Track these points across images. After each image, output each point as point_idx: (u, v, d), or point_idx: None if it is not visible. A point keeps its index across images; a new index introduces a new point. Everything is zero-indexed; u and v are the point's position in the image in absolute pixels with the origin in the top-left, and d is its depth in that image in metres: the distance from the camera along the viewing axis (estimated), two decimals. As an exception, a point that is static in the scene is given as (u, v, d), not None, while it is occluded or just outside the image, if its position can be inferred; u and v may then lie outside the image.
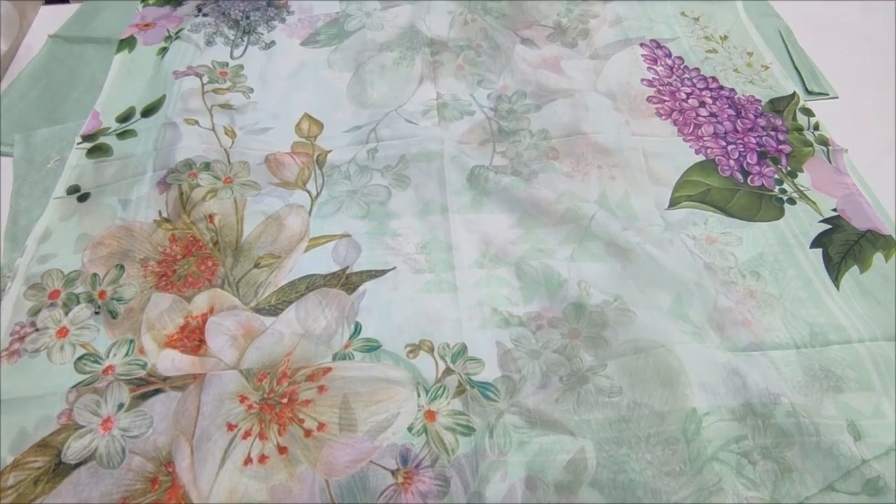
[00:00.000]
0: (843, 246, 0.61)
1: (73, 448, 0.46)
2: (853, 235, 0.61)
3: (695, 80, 0.77)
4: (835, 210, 0.63)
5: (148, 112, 0.71)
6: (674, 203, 0.64)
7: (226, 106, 0.72)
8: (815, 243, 0.61)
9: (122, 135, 0.69)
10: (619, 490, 0.44)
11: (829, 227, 0.62)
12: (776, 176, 0.67)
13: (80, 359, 0.51)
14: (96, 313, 0.54)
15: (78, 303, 0.55)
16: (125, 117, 0.71)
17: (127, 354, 0.52)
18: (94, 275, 0.57)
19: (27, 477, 0.45)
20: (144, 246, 0.59)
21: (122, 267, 0.57)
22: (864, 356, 0.52)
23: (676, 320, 0.53)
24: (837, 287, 0.57)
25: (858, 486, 0.45)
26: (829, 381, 0.51)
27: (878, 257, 0.59)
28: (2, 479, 0.45)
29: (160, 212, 0.61)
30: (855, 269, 0.59)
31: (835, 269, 0.59)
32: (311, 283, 0.56)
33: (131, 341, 0.52)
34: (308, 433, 0.47)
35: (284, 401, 0.48)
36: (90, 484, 0.45)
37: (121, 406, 0.48)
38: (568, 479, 0.45)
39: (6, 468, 0.45)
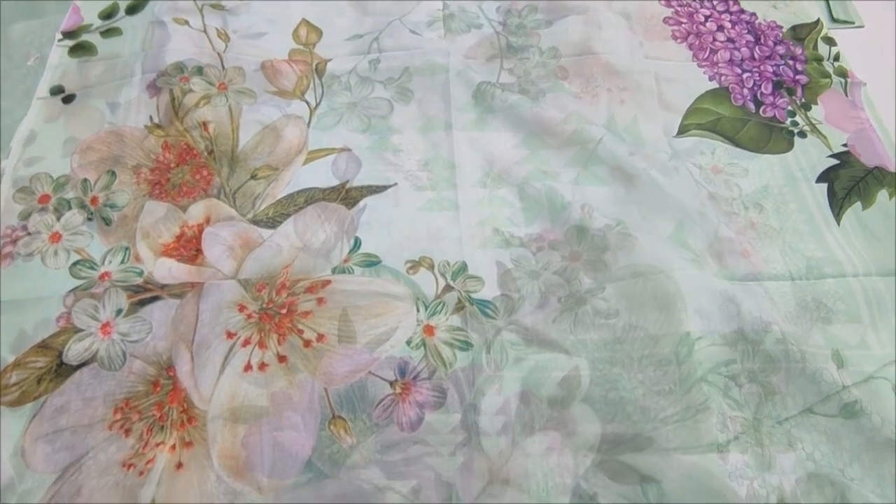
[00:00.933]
0: (849, 182, 0.60)
1: (74, 350, 0.47)
2: (860, 172, 0.60)
3: (715, 2, 0.73)
4: (845, 145, 0.62)
5: (133, 9, 0.66)
6: (682, 131, 0.62)
7: (217, 6, 0.67)
8: (821, 178, 0.60)
9: (107, 33, 0.64)
10: (610, 406, 0.46)
11: (836, 162, 0.61)
12: (789, 108, 0.65)
13: (75, 264, 0.51)
14: (89, 219, 0.53)
15: (69, 208, 0.53)
16: (108, 14, 0.66)
17: (123, 262, 0.51)
18: (85, 180, 0.55)
19: (30, 376, 0.46)
20: (136, 152, 0.57)
21: (113, 173, 0.55)
22: (857, 290, 0.53)
23: (677, 247, 0.53)
24: (838, 222, 0.57)
25: (836, 409, 0.47)
26: (820, 312, 0.52)
27: (882, 194, 0.59)
28: (4, 377, 0.45)
29: (151, 117, 0.59)
30: (858, 205, 0.58)
31: (838, 205, 0.58)
32: (309, 197, 0.55)
33: (126, 249, 0.52)
34: (307, 343, 0.47)
35: (283, 311, 0.49)
36: (93, 384, 0.46)
37: (119, 311, 0.48)
38: (561, 394, 0.46)
39: (7, 367, 0.46)
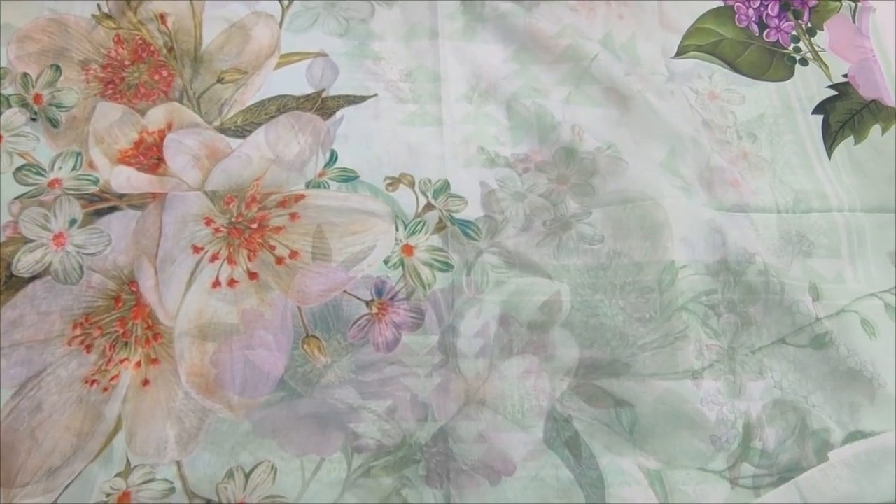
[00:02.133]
0: (845, 115, 0.58)
1: (25, 261, 0.43)
2: (857, 104, 0.59)
3: (726, -89, 0.67)
4: (845, 76, 0.60)
5: None
6: (681, 52, 0.59)
7: None
8: (818, 109, 0.58)
9: None
10: (590, 331, 0.46)
11: (835, 93, 0.59)
12: (794, 32, 0.61)
13: (19, 169, 0.46)
14: (33, 119, 0.48)
15: (9, 106, 0.48)
16: None
17: (74, 168, 0.47)
18: (25, 75, 0.49)
19: (-24, 287, 0.43)
20: (83, 45, 0.51)
21: (58, 68, 0.50)
22: (840, 225, 0.52)
23: (667, 174, 0.52)
24: (830, 156, 0.56)
25: (807, 340, 0.47)
26: (802, 245, 0.52)
27: (875, 129, 0.58)
28: (-53, 288, 0.42)
29: (99, 5, 0.52)
30: (850, 139, 0.57)
31: (831, 138, 0.57)
32: (282, 105, 0.51)
33: (78, 154, 0.47)
34: (279, 260, 0.45)
35: (254, 226, 0.46)
36: (48, 298, 0.43)
37: (73, 222, 0.45)
38: (541, 318, 0.46)
39: (-50, 276, 0.43)
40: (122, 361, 0.42)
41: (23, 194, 0.45)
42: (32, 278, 0.43)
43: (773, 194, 0.53)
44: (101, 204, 0.46)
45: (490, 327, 0.45)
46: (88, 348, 0.42)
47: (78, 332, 0.42)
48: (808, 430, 0.45)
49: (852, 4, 0.62)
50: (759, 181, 0.54)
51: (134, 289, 0.43)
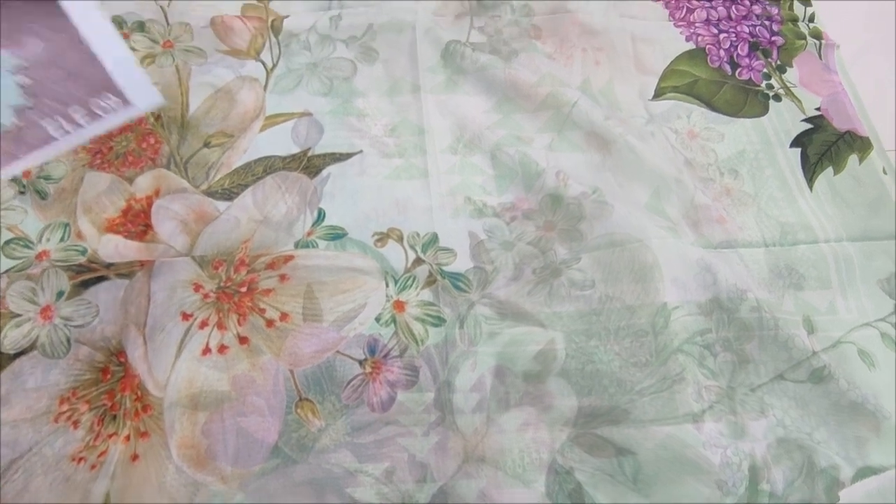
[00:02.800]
0: (822, 146, 0.59)
1: (11, 337, 0.43)
2: (832, 136, 0.60)
3: (691, -42, 0.70)
4: (818, 109, 0.61)
5: (62, -44, 0.59)
6: (659, 94, 0.60)
7: (159, -46, 0.61)
8: (795, 142, 0.59)
9: (33, -17, 0.58)
10: (587, 379, 0.45)
11: (810, 126, 0.60)
12: (765, 70, 0.63)
13: (7, 243, 0.46)
14: (21, 193, 0.48)
15: (-2, 180, 0.48)
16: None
17: (63, 239, 0.47)
18: (15, 149, 0.50)
19: (-39, 366, 0.42)
20: (72, 117, 0.51)
21: (47, 141, 0.50)
22: (828, 255, 0.53)
23: (653, 215, 0.52)
24: (811, 188, 0.57)
25: (805, 374, 0.47)
26: (792, 278, 0.52)
27: (852, 159, 0.59)
28: (-68, 368, 0.41)
29: (88, 78, 0.53)
30: (829, 170, 0.58)
31: (811, 170, 0.58)
32: (268, 166, 0.51)
33: (66, 225, 0.47)
34: (270, 323, 0.45)
35: (243, 289, 0.45)
36: (34, 374, 0.42)
37: (61, 294, 0.44)
38: (537, 368, 0.45)
39: (-65, 357, 0.42)
40: (110, 436, 0.41)
41: (10, 268, 0.45)
42: (18, 354, 0.43)
43: (759, 229, 0.54)
44: (88, 274, 0.45)
45: (486, 380, 0.45)
46: (76, 424, 0.41)
47: (65, 407, 0.41)
48: (815, 468, 0.44)
49: (816, 42, 0.65)
50: (744, 216, 0.54)
51: (122, 359, 0.43)
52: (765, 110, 0.61)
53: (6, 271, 0.45)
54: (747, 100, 0.61)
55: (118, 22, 0.55)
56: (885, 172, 0.58)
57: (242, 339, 0.44)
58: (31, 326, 0.43)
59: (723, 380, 0.46)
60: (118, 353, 0.43)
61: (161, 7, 0.57)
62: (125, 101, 0.42)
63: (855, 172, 0.58)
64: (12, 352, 0.42)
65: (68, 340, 0.43)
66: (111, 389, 0.42)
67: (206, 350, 0.43)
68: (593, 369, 0.45)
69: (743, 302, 0.48)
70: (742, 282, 0.49)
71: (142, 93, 0.43)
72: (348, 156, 0.52)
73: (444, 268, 0.48)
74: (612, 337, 0.46)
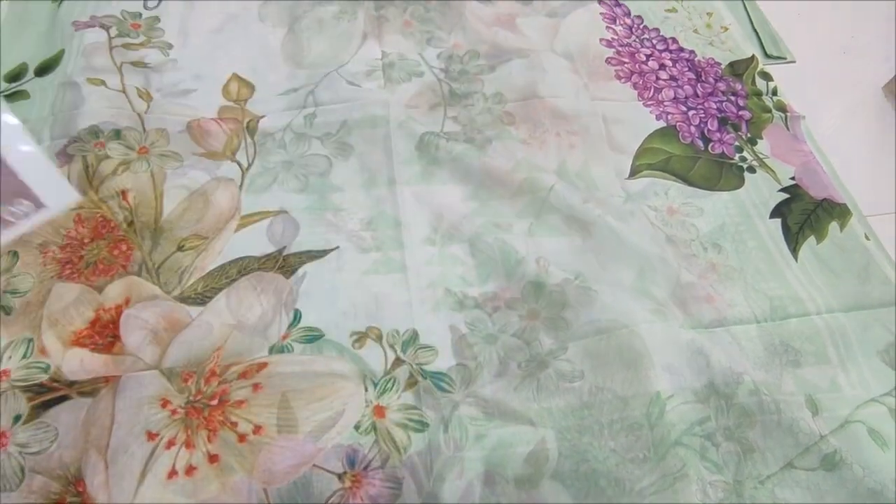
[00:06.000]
0: (801, 215, 0.60)
1: (-39, 468, 0.40)
2: (810, 205, 0.60)
3: (654, 41, 0.74)
4: (793, 179, 0.62)
5: (43, 70, 0.61)
6: (634, 172, 0.61)
7: (139, 64, 0.63)
8: (775, 213, 0.59)
9: (12, 96, 0.59)
10: (582, 481, 0.42)
11: (787, 196, 0.61)
12: (736, 143, 0.64)
13: (-34, 363, 0.44)
14: (-15, 309, 0.47)
15: (-38, 297, 0.47)
16: (15, 76, 0.61)
17: (25, 356, 0.45)
18: (-18, 264, 0.49)
19: None
20: (43, 229, 0.51)
21: (15, 254, 0.49)
22: (822, 329, 0.51)
23: (639, 298, 0.51)
24: (796, 258, 0.56)
25: (816, 461, 0.44)
26: (788, 355, 0.50)
27: (833, 227, 0.59)
28: None
29: (61, 188, 0.53)
30: (812, 239, 0.58)
31: (793, 240, 0.58)
32: (243, 267, 0.50)
33: (30, 340, 0.45)
34: (242, 438, 0.42)
35: (214, 402, 0.43)
36: (-16, 508, 0.39)
37: (17, 418, 0.42)
38: (528, 472, 0.42)
39: None
40: (64, 579, 0.37)
41: (-34, 392, 0.43)
42: (-31, 487, 0.39)
43: (748, 304, 0.53)
44: (49, 395, 0.43)
45: (475, 489, 0.42)
46: (27, 565, 0.37)
47: (16, 546, 0.38)
48: (841, 567, 0.40)
49: (783, 114, 0.66)
50: (732, 292, 0.53)
51: (80, 489, 0.40)
52: (741, 182, 0.61)
53: (-39, 396, 0.42)
54: (722, 173, 0.62)
55: (94, 132, 0.55)
56: (867, 238, 0.58)
57: (212, 458, 0.41)
58: (-17, 456, 0.40)
59: (728, 473, 0.44)
60: (76, 482, 0.40)
61: (138, 114, 0.58)
62: (39, 205, 0.42)
63: (838, 240, 0.58)
64: (-39, 487, 0.39)
65: (22, 470, 0.40)
66: (67, 524, 0.39)
67: (173, 473, 0.40)
68: (588, 469, 0.42)
69: (740, 385, 0.46)
70: (737, 364, 0.47)
71: (56, 193, 0.43)
72: (325, 252, 0.52)
73: (426, 367, 0.46)
74: (606, 431, 0.44)
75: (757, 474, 0.44)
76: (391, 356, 0.46)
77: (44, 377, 0.44)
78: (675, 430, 0.44)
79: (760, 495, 0.43)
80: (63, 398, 0.43)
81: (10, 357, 0.45)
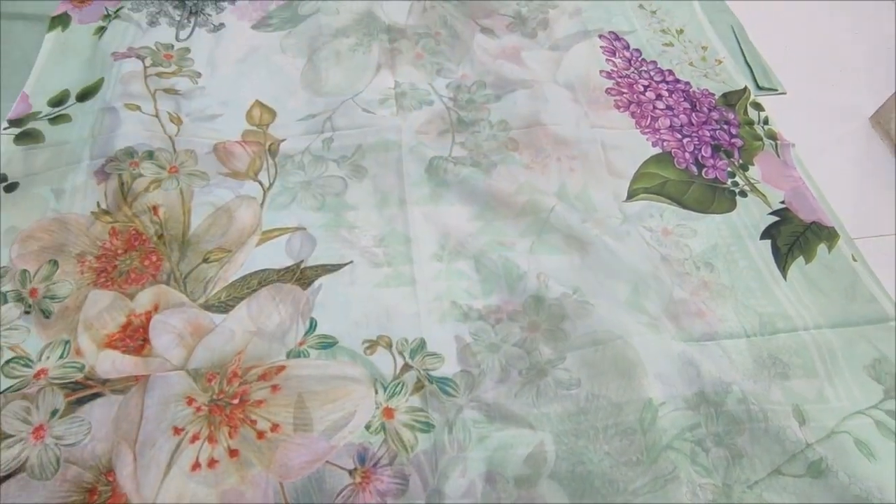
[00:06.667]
0: (790, 237, 0.63)
1: (2, 459, 0.43)
2: (799, 227, 0.63)
3: (652, 73, 0.78)
4: (783, 203, 0.65)
5: (84, 96, 0.66)
6: (631, 195, 0.65)
7: (171, 91, 0.68)
8: (765, 234, 0.62)
9: (55, 120, 0.64)
10: (578, 482, 0.45)
11: (777, 219, 0.64)
12: (729, 169, 0.68)
13: (7, 362, 0.48)
14: (26, 313, 0.50)
15: (5, 301, 0.51)
16: (58, 101, 0.66)
17: (62, 356, 0.48)
18: (24, 271, 0.53)
19: (-51, 492, 0.42)
20: (81, 240, 0.55)
21: (55, 263, 0.53)
22: (809, 343, 0.54)
23: (633, 311, 0.54)
24: (785, 277, 0.59)
25: (803, 468, 0.46)
26: (777, 368, 0.52)
27: (821, 248, 0.61)
28: (-81, 496, 0.41)
29: (98, 203, 0.57)
30: (801, 259, 0.61)
31: (783, 260, 0.61)
32: (263, 279, 0.54)
33: (67, 342, 0.49)
34: (261, 434, 0.45)
35: (235, 401, 0.46)
36: (20, 497, 0.42)
37: (55, 413, 0.45)
38: (527, 472, 0.45)
39: (-76, 483, 0.42)
40: (92, 563, 0.40)
41: (7, 388, 0.46)
42: (7, 476, 0.42)
43: (738, 320, 0.55)
44: (84, 391, 0.46)
45: (477, 486, 0.44)
46: (59, 550, 0.40)
47: (49, 532, 0.41)
48: (825, 571, 0.42)
49: (773, 142, 0.70)
50: (723, 309, 0.56)
51: (111, 478, 0.43)
52: (733, 206, 0.65)
53: (3, 391, 0.46)
54: (715, 197, 0.65)
55: (129, 153, 0.60)
56: (854, 259, 0.60)
57: (233, 452, 0.44)
58: (21, 447, 0.43)
59: (718, 477, 0.46)
60: (107, 473, 0.43)
61: (170, 137, 0.63)
62: None
63: (826, 261, 0.61)
64: (1, 475, 0.42)
65: (58, 461, 0.43)
66: (97, 512, 0.42)
67: (196, 465, 0.43)
68: (584, 470, 0.45)
69: (729, 394, 0.49)
70: (726, 374, 0.50)
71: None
72: (339, 267, 0.55)
73: (432, 373, 0.49)
74: (601, 436, 0.46)
75: (745, 479, 0.46)
76: (400, 362, 0.49)
77: (79, 375, 0.47)
78: (666, 435, 0.46)
79: (749, 498, 0.45)
80: (96, 395, 0.46)
81: (49, 357, 0.48)
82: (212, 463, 0.44)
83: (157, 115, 0.65)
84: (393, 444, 0.45)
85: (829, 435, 0.48)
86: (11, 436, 0.44)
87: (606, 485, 0.44)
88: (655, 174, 0.67)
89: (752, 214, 0.64)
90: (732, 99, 0.75)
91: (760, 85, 0.79)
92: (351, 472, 0.44)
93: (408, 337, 0.51)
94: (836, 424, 0.49)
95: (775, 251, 0.61)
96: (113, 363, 0.48)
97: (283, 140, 0.65)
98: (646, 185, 0.66)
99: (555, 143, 0.67)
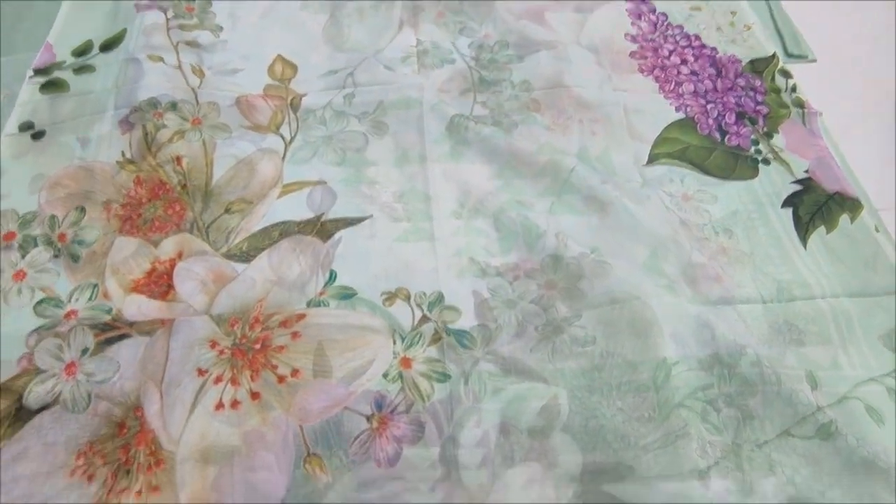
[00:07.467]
0: (813, 207, 0.62)
1: (36, 393, 0.45)
2: (822, 197, 0.62)
3: (678, 38, 0.77)
4: (806, 172, 0.64)
5: (107, 46, 0.66)
6: (652, 159, 0.64)
7: (193, 44, 0.68)
8: (786, 203, 0.62)
9: (80, 70, 0.64)
10: (590, 435, 0.45)
11: (800, 188, 0.63)
12: (753, 136, 0.67)
13: (39, 303, 0.49)
14: (56, 257, 0.52)
15: (35, 245, 0.52)
16: (82, 51, 0.66)
17: (90, 299, 0.50)
18: (53, 216, 0.54)
19: (-14, 421, 0.44)
20: (107, 188, 0.56)
21: (82, 209, 0.54)
22: (826, 311, 0.54)
23: (651, 274, 0.54)
24: (805, 246, 0.59)
25: (812, 430, 0.47)
26: (792, 334, 0.52)
27: (844, 219, 0.61)
28: (-41, 424, 0.43)
29: (123, 152, 0.58)
30: (822, 229, 0.60)
31: (803, 229, 0.60)
32: (284, 230, 0.55)
33: (95, 286, 0.50)
34: (281, 379, 0.46)
35: (257, 346, 0.47)
36: (54, 429, 0.44)
37: (85, 351, 0.47)
38: (541, 424, 0.46)
39: (-37, 412, 0.44)
40: (122, 491, 0.42)
41: (40, 326, 0.48)
42: (41, 409, 0.44)
43: (755, 286, 0.55)
44: (112, 332, 0.48)
45: (490, 436, 0.45)
46: (90, 478, 0.42)
47: (81, 461, 0.43)
48: (830, 529, 0.43)
49: (800, 110, 0.69)
50: (741, 274, 0.56)
51: (139, 414, 0.44)
52: (755, 173, 0.64)
53: (36, 329, 0.48)
54: (737, 164, 0.65)
55: (153, 103, 0.60)
56: (877, 230, 0.60)
57: (254, 395, 0.45)
58: (55, 382, 0.45)
59: (727, 436, 0.46)
60: (136, 409, 0.45)
61: (192, 89, 0.63)
62: None
63: (848, 231, 0.60)
64: (35, 407, 0.44)
65: (89, 396, 0.45)
66: (126, 444, 0.43)
67: (220, 405, 0.45)
68: (597, 425, 0.46)
69: (743, 357, 0.49)
70: (741, 338, 0.50)
71: None
72: (359, 220, 0.56)
73: (450, 325, 0.50)
74: (615, 392, 0.47)
75: (755, 439, 0.47)
76: (418, 314, 0.50)
77: (107, 318, 0.49)
78: (679, 394, 0.47)
79: (757, 458, 0.46)
80: (124, 336, 0.48)
81: (78, 299, 0.50)
82: (234, 404, 0.45)
83: (179, 68, 0.65)
84: (410, 392, 0.46)
85: (841, 400, 0.49)
86: (45, 371, 0.46)
87: (618, 439, 0.45)
88: (677, 139, 0.66)
89: (774, 182, 0.63)
90: (760, 66, 0.74)
91: (790, 52, 0.77)
92: (368, 418, 0.45)
93: (426, 290, 0.52)
94: (848, 391, 0.49)
95: (796, 220, 0.61)
96: (139, 307, 0.49)
97: (304, 95, 0.65)
98: (667, 149, 0.65)
99: (577, 105, 0.66)
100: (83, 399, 0.45)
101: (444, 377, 0.47)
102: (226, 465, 0.43)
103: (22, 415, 0.44)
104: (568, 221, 0.57)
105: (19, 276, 0.50)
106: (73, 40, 0.67)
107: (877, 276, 0.56)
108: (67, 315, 0.49)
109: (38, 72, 0.64)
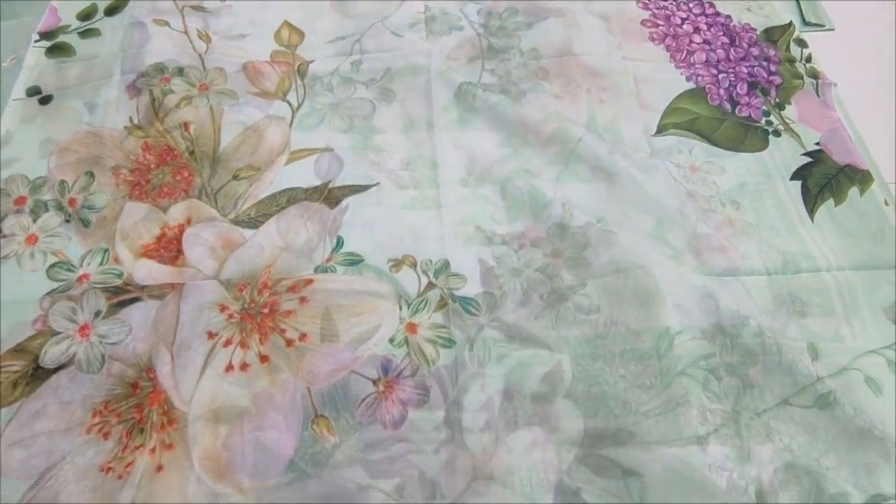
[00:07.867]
0: (822, 179, 0.61)
1: (51, 353, 0.46)
2: (832, 170, 0.62)
3: (691, 5, 0.75)
4: (817, 144, 0.64)
5: (112, 10, 0.66)
6: (661, 130, 0.63)
7: (198, 8, 0.67)
8: (796, 175, 0.61)
9: (85, 34, 0.64)
10: (593, 401, 0.46)
11: (810, 160, 0.62)
12: (764, 107, 0.66)
13: (52, 266, 0.50)
14: (67, 221, 0.52)
15: (46, 210, 0.53)
16: (87, 15, 0.66)
17: (101, 263, 0.50)
18: (63, 182, 0.54)
19: (5, 380, 0.45)
20: (115, 153, 0.56)
21: (92, 174, 0.55)
22: (831, 284, 0.54)
23: (656, 243, 0.54)
24: (812, 218, 0.58)
25: (811, 400, 0.47)
26: (795, 305, 0.53)
27: (853, 191, 0.60)
28: (-22, 382, 0.45)
29: (131, 118, 0.58)
30: (830, 202, 0.60)
31: (811, 202, 0.60)
32: (292, 197, 0.55)
33: (105, 250, 0.51)
34: (289, 343, 0.47)
35: (266, 311, 0.48)
36: (70, 388, 0.45)
37: (98, 313, 0.48)
38: (544, 390, 0.47)
39: (-18, 371, 0.45)
40: (137, 448, 0.43)
41: (53, 290, 0.49)
42: (57, 369, 0.46)
43: (761, 258, 0.55)
44: (124, 296, 0.49)
45: (494, 401, 0.46)
46: (106, 435, 0.44)
47: (97, 419, 0.44)
48: (824, 494, 0.44)
49: (814, 81, 0.67)
50: (746, 246, 0.56)
51: (151, 375, 0.46)
52: (765, 145, 0.63)
53: (49, 293, 0.48)
54: (747, 135, 0.64)
55: (160, 68, 0.60)
56: (886, 204, 0.59)
57: (263, 358, 0.46)
58: (69, 343, 0.46)
59: (727, 403, 0.47)
60: (148, 370, 0.46)
61: (199, 54, 0.63)
62: None
63: (856, 204, 0.60)
64: (52, 367, 0.45)
65: (103, 357, 0.46)
66: (140, 403, 0.45)
67: (230, 367, 0.46)
68: (599, 391, 0.47)
69: (745, 327, 0.49)
70: (744, 308, 0.50)
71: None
72: (366, 187, 0.56)
73: (455, 292, 0.50)
74: (618, 360, 0.48)
75: (754, 407, 0.47)
76: (424, 281, 0.51)
77: (118, 281, 0.49)
78: (680, 362, 0.48)
79: (755, 425, 0.47)
80: (135, 299, 0.49)
81: (89, 263, 0.50)
82: (244, 366, 0.46)
83: (185, 32, 0.64)
84: (415, 357, 0.47)
85: (841, 371, 0.49)
86: (59, 332, 0.47)
87: (620, 405, 0.46)
88: (687, 110, 0.65)
89: (784, 154, 0.63)
90: (775, 35, 0.72)
91: (807, 20, 0.75)
92: (374, 382, 0.46)
93: (432, 258, 0.52)
94: (848, 362, 0.50)
95: (805, 192, 0.60)
96: (149, 272, 0.50)
97: (311, 61, 0.64)
98: (676, 120, 0.64)
99: (586, 73, 0.66)
100: (97, 360, 0.46)
101: (450, 343, 0.48)
102: (236, 425, 0.44)
103: (39, 374, 0.45)
104: (575, 190, 0.57)
105: (31, 240, 0.51)
106: (77, 4, 0.67)
107: (883, 249, 0.56)
108: (80, 279, 0.49)
109: (44, 36, 0.63)
